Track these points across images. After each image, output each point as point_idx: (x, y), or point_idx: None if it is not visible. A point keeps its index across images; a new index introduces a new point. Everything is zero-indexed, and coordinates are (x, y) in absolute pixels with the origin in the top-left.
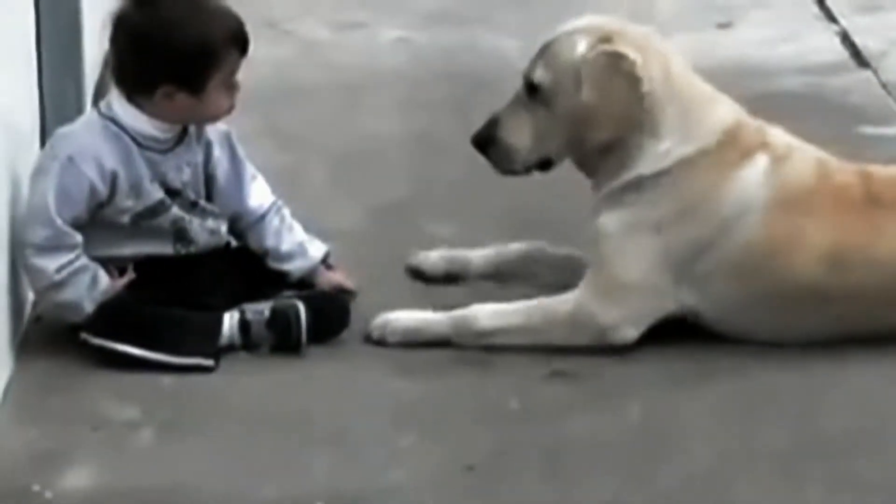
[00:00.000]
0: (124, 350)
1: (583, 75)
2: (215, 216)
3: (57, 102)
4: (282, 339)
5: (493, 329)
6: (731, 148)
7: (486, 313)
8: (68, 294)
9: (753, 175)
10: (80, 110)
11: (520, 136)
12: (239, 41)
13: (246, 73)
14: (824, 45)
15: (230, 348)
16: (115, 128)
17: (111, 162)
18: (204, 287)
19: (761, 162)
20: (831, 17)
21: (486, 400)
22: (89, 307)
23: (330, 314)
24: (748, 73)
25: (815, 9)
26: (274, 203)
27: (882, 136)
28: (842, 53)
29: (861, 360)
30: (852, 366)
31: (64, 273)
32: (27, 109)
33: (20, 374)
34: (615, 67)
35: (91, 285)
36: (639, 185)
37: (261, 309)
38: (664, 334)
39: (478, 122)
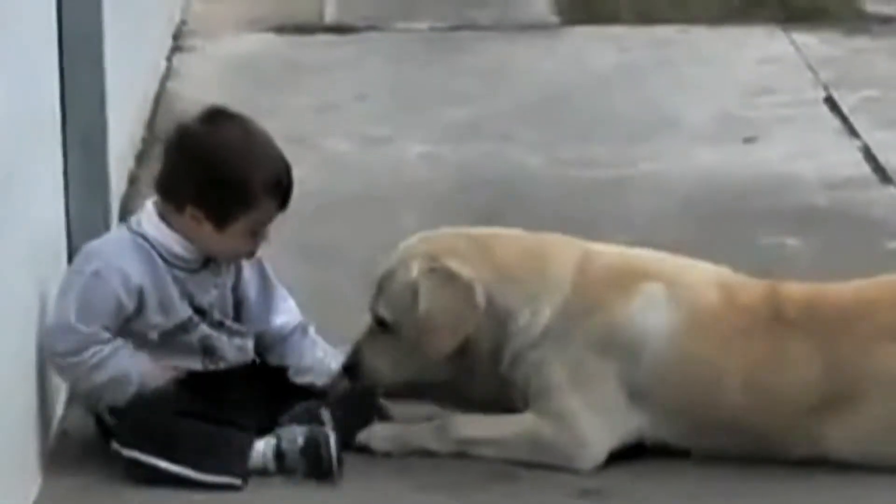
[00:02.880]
0: (154, 463)
1: (419, 297)
2: (242, 335)
3: (83, 220)
4: (314, 467)
5: (471, 438)
6: (596, 286)
7: (466, 421)
8: (111, 369)
9: (645, 306)
10: (106, 227)
11: (381, 367)
12: (278, 194)
13: None
14: (847, 161)
15: (264, 472)
16: (143, 243)
17: (138, 277)
18: (233, 401)
19: (652, 290)
20: (853, 133)
21: None
22: (136, 377)
23: (359, 411)
24: (772, 188)
25: (838, 124)
26: (300, 323)
27: None
28: (864, 169)
29: (877, 476)
30: (869, 481)
31: (101, 353)
32: (53, 228)
33: (48, 490)
34: (451, 284)
35: (132, 355)
36: (525, 358)
37: (294, 437)
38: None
39: None
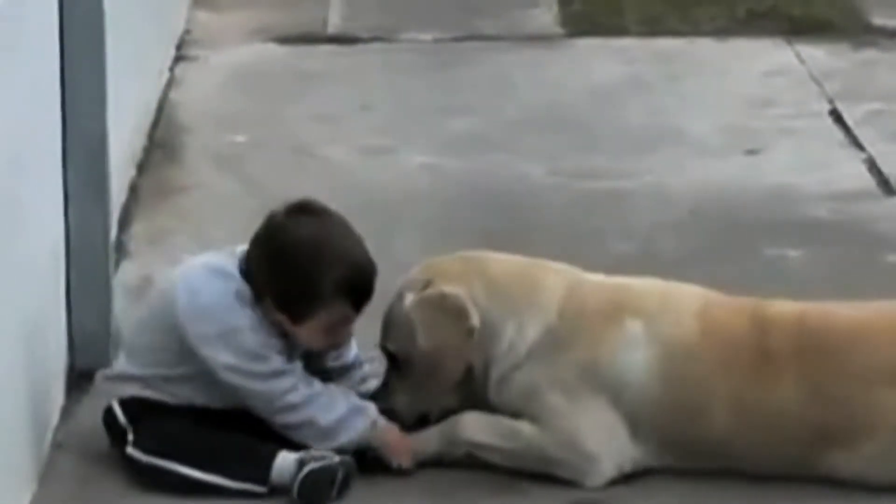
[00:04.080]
0: (179, 471)
1: (415, 326)
2: None
3: (83, 229)
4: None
5: (478, 442)
6: (581, 317)
7: (475, 425)
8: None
9: (626, 346)
10: (105, 236)
11: (405, 402)
12: (351, 297)
13: (277, 199)
14: (851, 173)
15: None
16: (250, 294)
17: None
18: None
19: (633, 327)
20: (858, 145)
21: None
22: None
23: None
24: (775, 200)
25: (842, 136)
26: (356, 358)
27: None
28: (869, 181)
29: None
30: (874, 491)
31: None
32: (53, 237)
33: (41, 498)
34: (441, 307)
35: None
36: (510, 380)
37: (311, 459)
38: None
39: (504, 248)
